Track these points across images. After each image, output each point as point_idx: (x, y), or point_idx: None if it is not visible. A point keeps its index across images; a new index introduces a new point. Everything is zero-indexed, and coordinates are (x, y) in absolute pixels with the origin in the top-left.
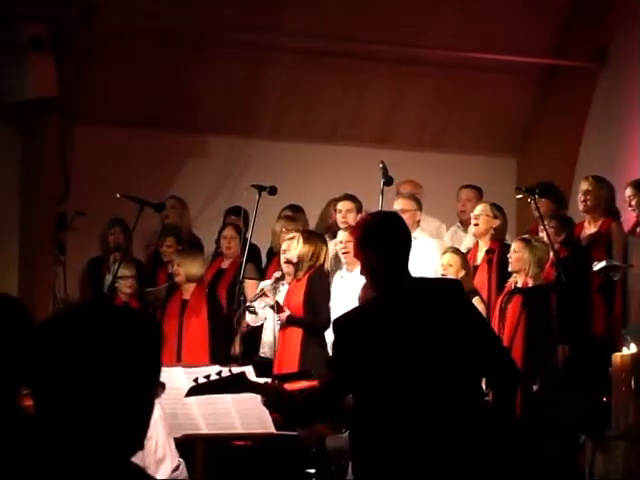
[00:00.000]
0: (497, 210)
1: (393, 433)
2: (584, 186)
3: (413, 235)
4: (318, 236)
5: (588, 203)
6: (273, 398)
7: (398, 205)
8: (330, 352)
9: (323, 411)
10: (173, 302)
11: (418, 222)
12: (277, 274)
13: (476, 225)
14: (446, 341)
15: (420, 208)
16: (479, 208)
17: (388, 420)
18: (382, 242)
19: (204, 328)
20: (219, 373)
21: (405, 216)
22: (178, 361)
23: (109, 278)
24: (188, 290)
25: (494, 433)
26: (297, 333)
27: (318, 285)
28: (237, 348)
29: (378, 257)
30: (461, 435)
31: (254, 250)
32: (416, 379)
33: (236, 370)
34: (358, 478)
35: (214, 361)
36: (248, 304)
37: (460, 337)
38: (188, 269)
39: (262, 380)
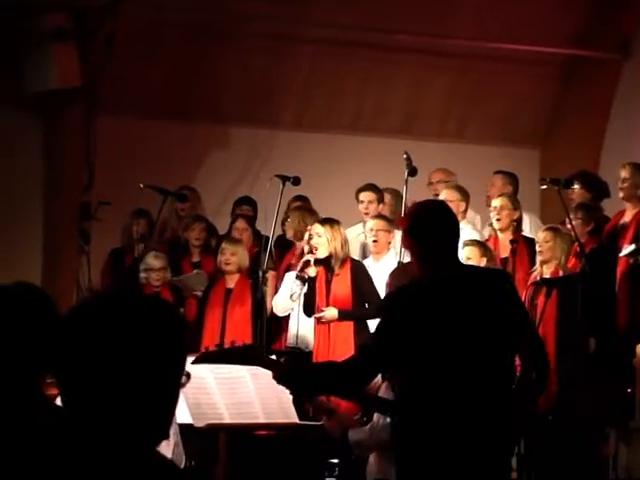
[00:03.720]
0: (517, 202)
1: (429, 414)
2: (622, 173)
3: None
4: (336, 222)
5: (625, 190)
6: (285, 371)
7: (442, 195)
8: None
9: (349, 381)
10: (217, 291)
11: (463, 213)
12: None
13: (499, 220)
14: (488, 329)
15: (465, 199)
16: (498, 202)
17: (425, 401)
18: (430, 230)
19: (247, 318)
20: (232, 343)
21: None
22: None
23: (141, 270)
24: (232, 279)
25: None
26: (347, 325)
27: (363, 273)
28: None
29: (426, 245)
30: (490, 421)
31: (268, 241)
32: (454, 363)
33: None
34: (403, 460)
35: None
36: (298, 274)
37: (501, 327)
38: (241, 259)
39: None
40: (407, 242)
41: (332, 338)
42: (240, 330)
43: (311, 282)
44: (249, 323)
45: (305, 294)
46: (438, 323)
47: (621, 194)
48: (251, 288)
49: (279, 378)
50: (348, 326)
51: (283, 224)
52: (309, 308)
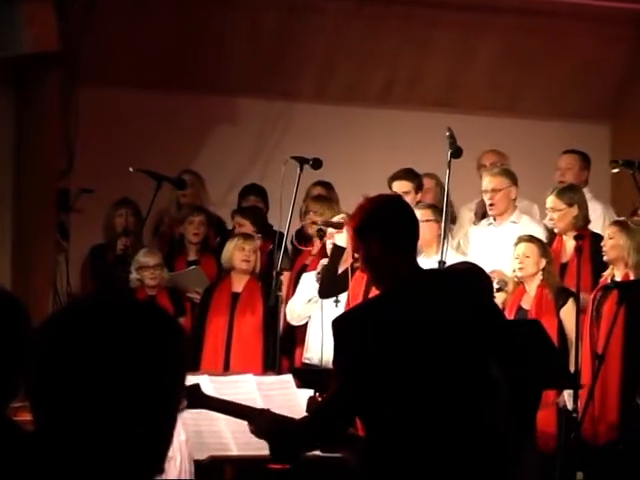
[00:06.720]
0: (570, 194)
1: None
2: None
3: (512, 219)
4: None
5: None
6: (261, 422)
7: (487, 184)
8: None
9: (334, 432)
10: (221, 295)
11: (514, 200)
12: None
13: (553, 223)
14: (456, 346)
15: (515, 183)
16: (549, 203)
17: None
18: (386, 230)
19: (258, 328)
20: None
21: (499, 195)
22: (226, 367)
23: (133, 271)
24: (240, 281)
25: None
26: None
27: None
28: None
29: (381, 249)
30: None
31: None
32: (422, 388)
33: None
34: None
35: (268, 368)
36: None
37: (472, 341)
38: (258, 259)
39: (308, 391)
40: (356, 245)
41: None
42: (249, 342)
43: (338, 253)
44: (260, 334)
45: (326, 266)
46: (394, 344)
47: None
48: (262, 293)
49: (259, 432)
50: None
51: (302, 216)
52: (329, 288)
